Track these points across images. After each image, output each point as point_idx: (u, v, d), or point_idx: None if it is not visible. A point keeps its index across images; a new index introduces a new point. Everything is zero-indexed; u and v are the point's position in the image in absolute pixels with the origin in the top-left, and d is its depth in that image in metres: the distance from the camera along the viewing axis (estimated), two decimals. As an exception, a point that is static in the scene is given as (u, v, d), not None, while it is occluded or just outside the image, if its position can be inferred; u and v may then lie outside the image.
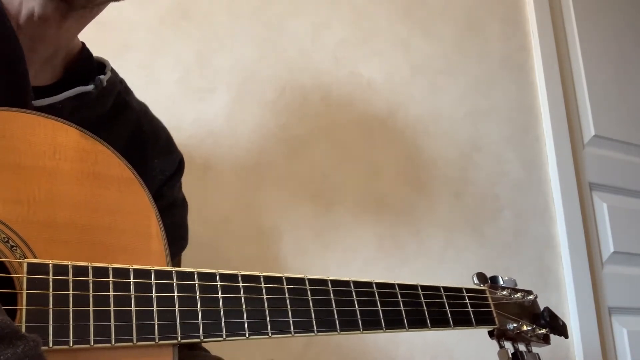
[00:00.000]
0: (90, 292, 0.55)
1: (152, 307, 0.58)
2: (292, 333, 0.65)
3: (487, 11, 1.68)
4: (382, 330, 0.72)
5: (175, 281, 0.60)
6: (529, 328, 0.87)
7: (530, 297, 0.91)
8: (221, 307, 0.61)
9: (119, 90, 0.79)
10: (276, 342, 1.13)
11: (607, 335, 1.60)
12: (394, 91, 1.45)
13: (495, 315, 0.85)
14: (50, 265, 0.54)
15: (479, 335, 0.90)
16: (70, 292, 0.54)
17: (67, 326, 0.53)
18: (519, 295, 0.90)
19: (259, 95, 1.28)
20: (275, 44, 1.33)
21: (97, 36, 0.81)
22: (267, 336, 0.63)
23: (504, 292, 0.88)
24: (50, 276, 0.54)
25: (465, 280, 1.42)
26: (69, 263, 0.55)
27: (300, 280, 0.68)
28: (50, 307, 0.53)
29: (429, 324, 0.76)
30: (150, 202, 0.64)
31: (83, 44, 0.78)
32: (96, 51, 0.80)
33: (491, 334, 0.87)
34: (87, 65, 0.76)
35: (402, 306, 0.75)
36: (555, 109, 1.70)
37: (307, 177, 1.29)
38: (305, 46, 1.36)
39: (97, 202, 0.60)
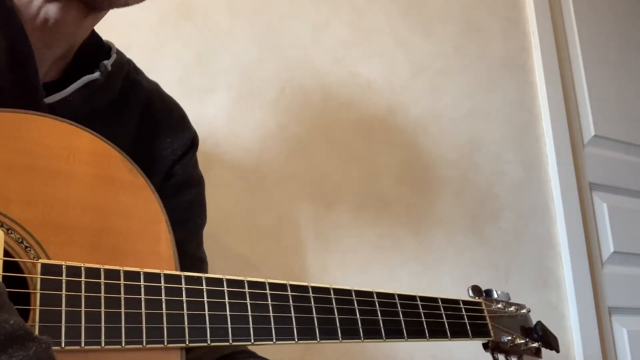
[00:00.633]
0: (102, 294, 0.56)
1: (162, 310, 0.59)
2: (296, 340, 0.66)
3: (487, 11, 1.68)
4: (382, 340, 0.73)
5: (183, 285, 0.61)
6: (522, 341, 0.88)
7: (524, 310, 0.92)
8: (228, 313, 0.62)
9: (127, 70, 0.78)
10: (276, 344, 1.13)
11: (607, 335, 1.60)
12: (394, 91, 1.45)
13: (490, 327, 0.86)
14: (63, 266, 0.55)
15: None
16: (83, 293, 0.55)
17: (79, 327, 0.53)
18: (512, 308, 0.91)
19: (259, 95, 1.28)
20: (275, 44, 1.33)
21: (97, 36, 0.81)
22: (272, 342, 0.64)
23: (499, 305, 0.89)
24: (64, 277, 0.54)
25: (465, 280, 1.42)
26: (82, 265, 0.56)
27: (304, 288, 0.69)
28: (63, 307, 0.53)
29: (427, 335, 0.78)
30: (161, 207, 0.65)
31: (92, 29, 0.77)
32: (96, 51, 0.79)
33: (485, 346, 0.88)
34: (93, 52, 0.75)
35: (401, 316, 0.76)
36: (555, 109, 1.70)
37: (307, 177, 1.29)
38: (305, 46, 1.36)
39: (109, 206, 0.61)
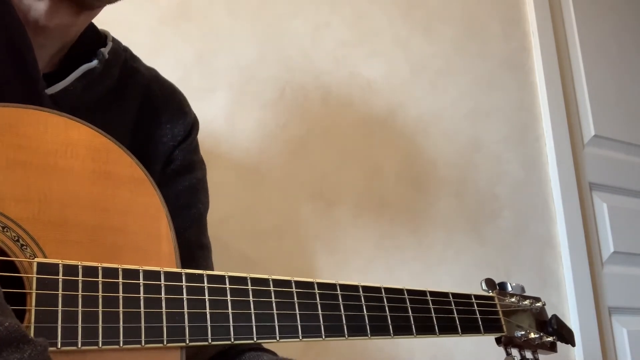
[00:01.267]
0: (100, 293, 0.55)
1: (161, 309, 0.57)
2: (300, 337, 0.65)
3: (487, 11, 1.68)
4: (389, 337, 0.71)
5: (184, 283, 0.60)
6: (537, 336, 0.86)
7: (539, 304, 0.90)
8: (230, 310, 0.61)
9: (124, 58, 0.78)
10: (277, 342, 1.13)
11: (607, 335, 1.60)
12: (394, 91, 1.45)
13: (503, 322, 0.84)
14: (60, 265, 0.54)
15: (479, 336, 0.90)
16: (80, 292, 0.54)
17: (76, 327, 0.53)
18: (527, 302, 0.89)
19: (259, 95, 1.28)
20: (275, 44, 1.33)
21: (97, 36, 0.81)
22: (275, 340, 0.63)
23: (513, 299, 0.87)
24: (60, 276, 0.54)
25: (465, 280, 1.42)
26: (79, 263, 0.55)
27: (309, 285, 0.68)
28: (60, 307, 0.52)
29: (436, 331, 0.75)
30: (161, 202, 0.63)
31: None
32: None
33: (498, 341, 0.86)
34: (91, 42, 0.75)
35: (410, 312, 0.74)
36: (555, 109, 1.70)
37: (307, 177, 1.29)
38: (305, 46, 1.36)
39: (108, 202, 0.60)
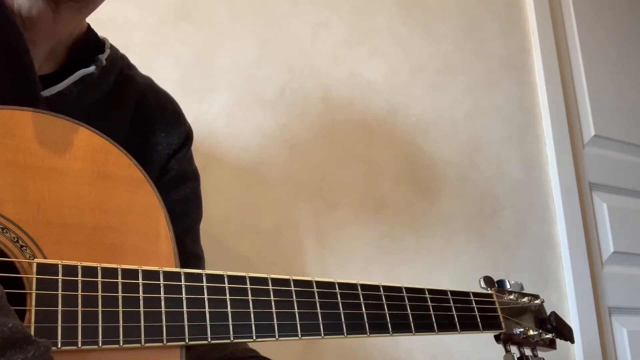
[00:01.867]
0: (99, 293, 0.55)
1: (161, 308, 0.58)
2: (299, 336, 0.65)
3: (487, 11, 1.68)
4: (388, 334, 0.71)
5: (183, 282, 0.60)
6: (535, 333, 0.86)
7: (537, 301, 0.90)
8: (229, 309, 0.61)
9: (120, 66, 0.79)
10: (278, 341, 1.13)
11: (607, 335, 1.60)
12: (394, 91, 1.45)
13: (502, 319, 0.84)
14: (59, 265, 0.54)
15: (478, 335, 0.90)
16: (80, 292, 0.54)
17: (76, 327, 0.53)
18: (525, 299, 0.89)
19: (259, 95, 1.28)
20: (275, 44, 1.33)
21: (97, 36, 0.81)
22: (275, 339, 0.63)
23: (511, 297, 0.87)
24: (60, 277, 0.54)
25: (465, 280, 1.42)
26: (78, 264, 0.55)
27: (308, 283, 0.68)
28: (60, 307, 0.53)
29: (435, 328, 0.76)
30: (160, 203, 0.64)
31: (88, 25, 0.77)
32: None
33: (497, 338, 0.86)
34: (90, 48, 0.76)
35: (409, 310, 0.74)
36: (555, 109, 1.70)
37: (307, 177, 1.29)
38: (305, 46, 1.36)
39: (106, 202, 0.61)
